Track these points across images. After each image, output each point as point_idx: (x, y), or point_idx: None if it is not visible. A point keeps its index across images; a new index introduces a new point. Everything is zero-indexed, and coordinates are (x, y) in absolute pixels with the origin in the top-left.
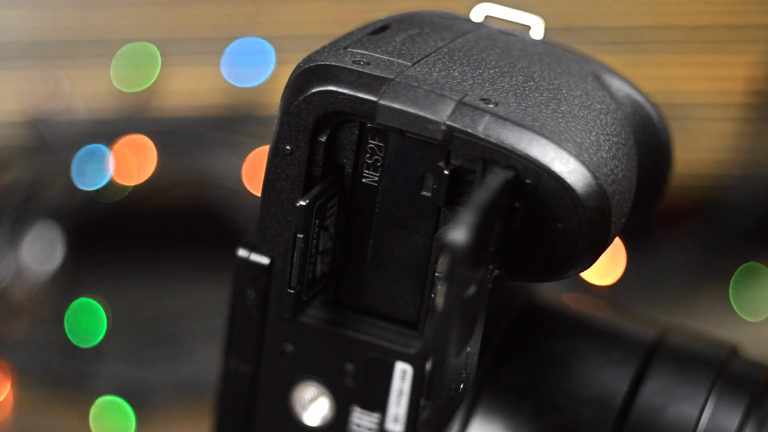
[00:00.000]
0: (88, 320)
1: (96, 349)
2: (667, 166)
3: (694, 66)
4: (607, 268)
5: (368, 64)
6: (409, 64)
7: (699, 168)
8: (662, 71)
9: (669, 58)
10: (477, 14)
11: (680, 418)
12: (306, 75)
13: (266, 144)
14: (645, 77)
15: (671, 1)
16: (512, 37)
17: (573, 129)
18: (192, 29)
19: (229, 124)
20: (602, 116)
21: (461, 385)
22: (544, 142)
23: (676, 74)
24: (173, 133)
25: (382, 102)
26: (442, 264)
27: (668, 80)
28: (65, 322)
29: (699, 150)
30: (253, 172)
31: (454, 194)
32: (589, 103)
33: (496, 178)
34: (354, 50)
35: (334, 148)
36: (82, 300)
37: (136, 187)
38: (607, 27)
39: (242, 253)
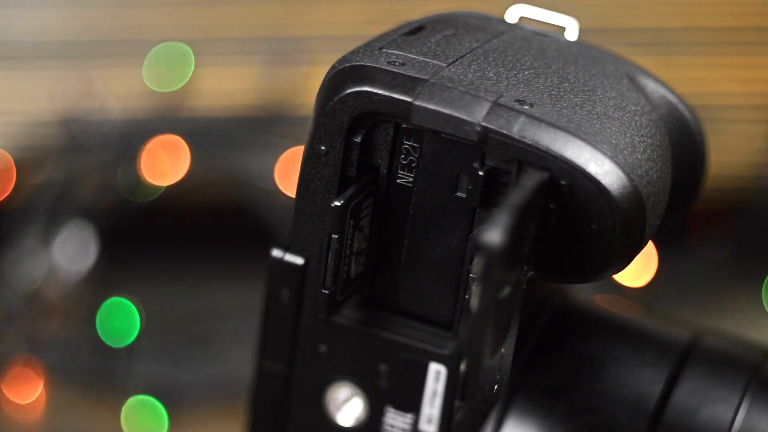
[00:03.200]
0: (121, 320)
1: (128, 349)
2: (701, 168)
3: (726, 68)
4: (639, 270)
5: (403, 64)
6: (444, 65)
7: (731, 170)
8: (694, 73)
9: (701, 59)
10: (511, 15)
11: (714, 420)
12: (341, 75)
13: (299, 144)
14: (677, 79)
15: (704, 3)
16: (547, 38)
17: (608, 130)
18: (225, 29)
19: (262, 125)
20: (637, 118)
21: (495, 386)
22: (579, 143)
23: (708, 76)
24: (206, 134)
25: (417, 103)
26: (477, 265)
27: (700, 82)
28: (97, 321)
29: (731, 152)
30: (285, 172)
31: (489, 195)
32: (624, 104)
33: (530, 179)
34: (389, 51)
35: (369, 148)
36: (115, 299)
37: (168, 186)
38: (639, 28)
39: (276, 253)
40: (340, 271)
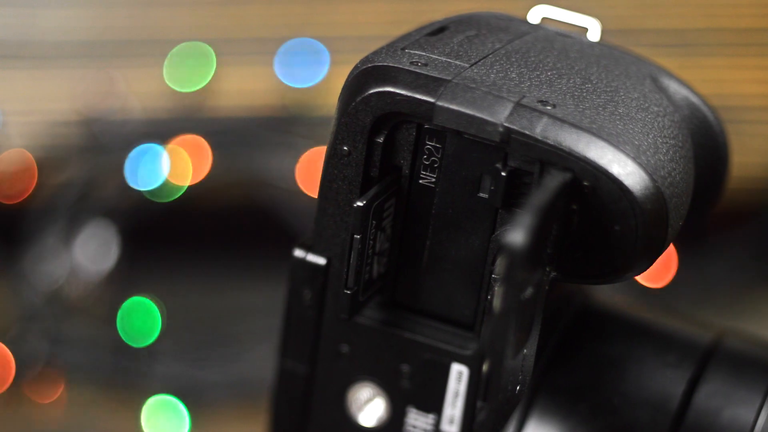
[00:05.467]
0: (142, 319)
1: (149, 349)
2: (723, 170)
3: (749, 69)
4: (660, 271)
5: (426, 65)
6: (466, 65)
7: (753, 171)
8: (716, 74)
9: (723, 60)
10: (534, 16)
11: (736, 421)
12: (364, 76)
13: (320, 145)
14: (699, 80)
15: (726, 4)
16: (569, 39)
17: (631, 131)
18: (246, 29)
19: (283, 125)
20: (660, 119)
21: (517, 387)
22: (601, 144)
23: (730, 77)
24: (227, 134)
25: (439, 103)
26: (500, 266)
27: (722, 83)
28: (118, 321)
29: (753, 153)
30: (306, 172)
31: (512, 196)
32: (646, 105)
33: (553, 180)
34: (412, 51)
35: (392, 149)
36: (136, 299)
37: (190, 186)
38: (662, 29)
39: (299, 253)
40: (362, 272)
